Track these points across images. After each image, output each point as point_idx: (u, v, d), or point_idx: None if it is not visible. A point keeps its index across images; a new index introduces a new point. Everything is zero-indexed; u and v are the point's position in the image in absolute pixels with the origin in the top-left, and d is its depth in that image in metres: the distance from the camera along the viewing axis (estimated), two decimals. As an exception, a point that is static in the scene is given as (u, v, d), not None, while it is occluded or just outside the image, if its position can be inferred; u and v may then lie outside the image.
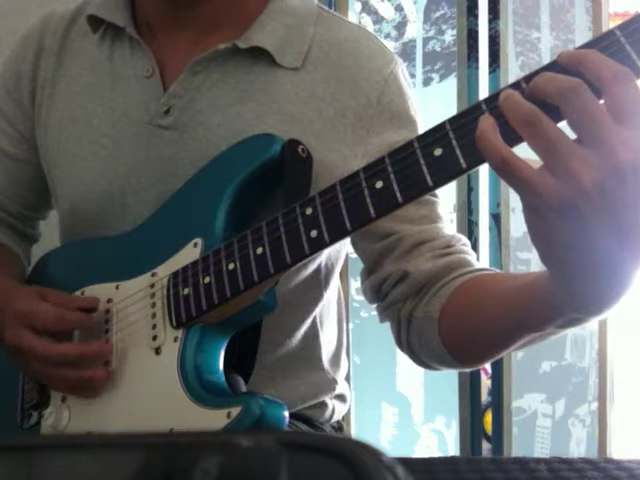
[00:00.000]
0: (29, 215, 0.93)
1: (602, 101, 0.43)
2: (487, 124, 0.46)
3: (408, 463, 0.61)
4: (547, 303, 0.53)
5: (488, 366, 1.76)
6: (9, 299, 0.75)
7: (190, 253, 0.69)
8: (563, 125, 0.45)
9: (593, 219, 0.43)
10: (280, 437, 0.23)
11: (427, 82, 1.82)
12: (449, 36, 1.76)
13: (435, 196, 0.76)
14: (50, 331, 0.71)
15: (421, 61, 1.84)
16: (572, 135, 0.44)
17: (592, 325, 1.70)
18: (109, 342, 0.72)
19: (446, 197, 1.59)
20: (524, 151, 0.46)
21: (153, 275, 0.71)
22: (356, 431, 1.98)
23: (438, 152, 0.51)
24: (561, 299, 0.51)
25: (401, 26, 1.90)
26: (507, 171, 0.45)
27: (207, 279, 0.66)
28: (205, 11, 0.78)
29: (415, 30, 1.86)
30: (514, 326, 0.60)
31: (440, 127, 0.51)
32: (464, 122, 0.49)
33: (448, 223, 0.77)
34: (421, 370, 0.80)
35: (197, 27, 0.79)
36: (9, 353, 0.74)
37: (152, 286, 0.71)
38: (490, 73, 1.61)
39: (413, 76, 1.83)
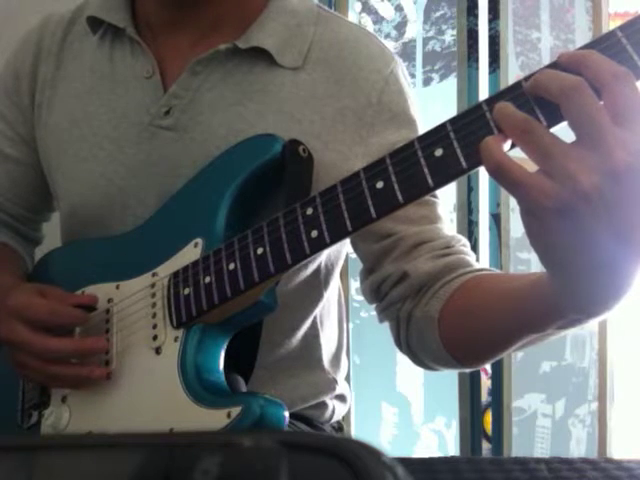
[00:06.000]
0: (31, 217, 0.93)
1: (602, 102, 0.43)
2: (496, 138, 0.47)
3: (408, 463, 0.61)
4: (547, 304, 0.53)
5: (488, 366, 1.76)
6: (6, 295, 0.74)
7: (191, 253, 0.69)
8: (557, 130, 0.46)
9: (591, 220, 0.43)
10: (280, 437, 0.23)
11: (427, 82, 1.82)
12: (449, 36, 1.76)
13: (435, 196, 0.76)
14: (43, 325, 0.71)
15: (421, 61, 1.84)
16: (569, 138, 0.45)
17: (592, 325, 1.70)
18: (109, 342, 0.72)
19: (446, 197, 1.59)
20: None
21: (154, 275, 0.71)
22: (356, 431, 1.97)
23: (439, 152, 0.51)
24: (561, 300, 0.51)
25: (401, 26, 1.90)
26: (501, 174, 0.45)
27: (208, 279, 0.66)
28: (205, 12, 0.78)
29: (415, 30, 1.86)
30: (514, 327, 0.60)
31: (441, 127, 0.51)
32: (465, 123, 0.50)
33: (448, 223, 0.77)
34: (421, 370, 0.79)
35: (197, 28, 0.79)
36: (9, 354, 0.74)
37: (153, 286, 0.71)
38: (490, 73, 1.61)
39: (413, 76, 1.83)
